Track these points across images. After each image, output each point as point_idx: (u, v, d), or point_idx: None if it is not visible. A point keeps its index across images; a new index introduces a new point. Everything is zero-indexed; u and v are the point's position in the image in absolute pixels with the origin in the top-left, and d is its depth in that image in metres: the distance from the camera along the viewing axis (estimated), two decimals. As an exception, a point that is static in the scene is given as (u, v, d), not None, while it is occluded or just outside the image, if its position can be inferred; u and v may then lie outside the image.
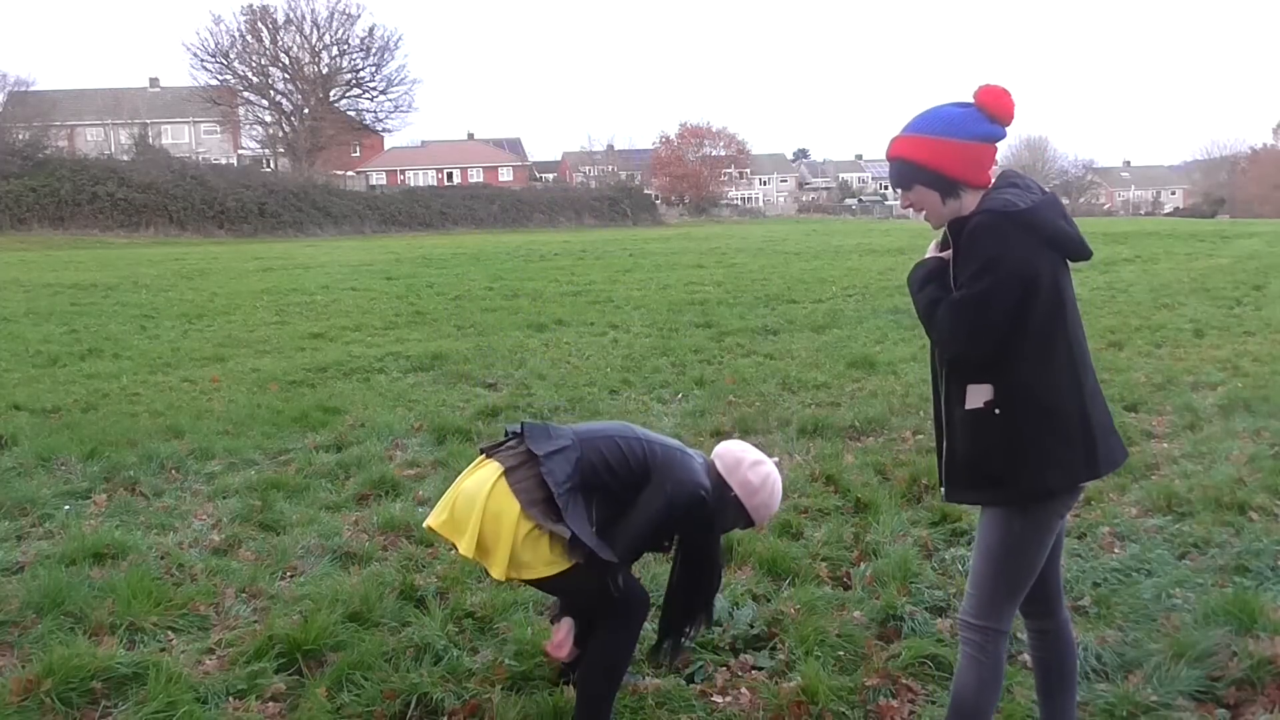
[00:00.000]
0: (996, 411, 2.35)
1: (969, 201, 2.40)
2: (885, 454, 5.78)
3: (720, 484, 2.90)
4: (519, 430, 2.87)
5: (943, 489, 2.54)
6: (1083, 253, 2.43)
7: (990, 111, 2.38)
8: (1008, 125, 2.41)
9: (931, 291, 2.40)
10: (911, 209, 2.50)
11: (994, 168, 2.45)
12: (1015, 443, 2.35)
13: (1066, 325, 2.38)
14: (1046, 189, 2.44)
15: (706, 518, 2.85)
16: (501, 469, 2.74)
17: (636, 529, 2.79)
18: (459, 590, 3.91)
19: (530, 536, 2.68)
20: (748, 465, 2.92)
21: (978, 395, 2.37)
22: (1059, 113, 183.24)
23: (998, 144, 2.42)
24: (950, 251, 2.40)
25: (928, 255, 2.50)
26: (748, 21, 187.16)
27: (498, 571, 2.69)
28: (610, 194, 55.92)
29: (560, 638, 2.91)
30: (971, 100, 2.41)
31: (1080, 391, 2.39)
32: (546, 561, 2.70)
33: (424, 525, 2.95)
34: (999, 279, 2.26)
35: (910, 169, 2.43)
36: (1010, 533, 2.42)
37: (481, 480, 2.75)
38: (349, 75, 59.03)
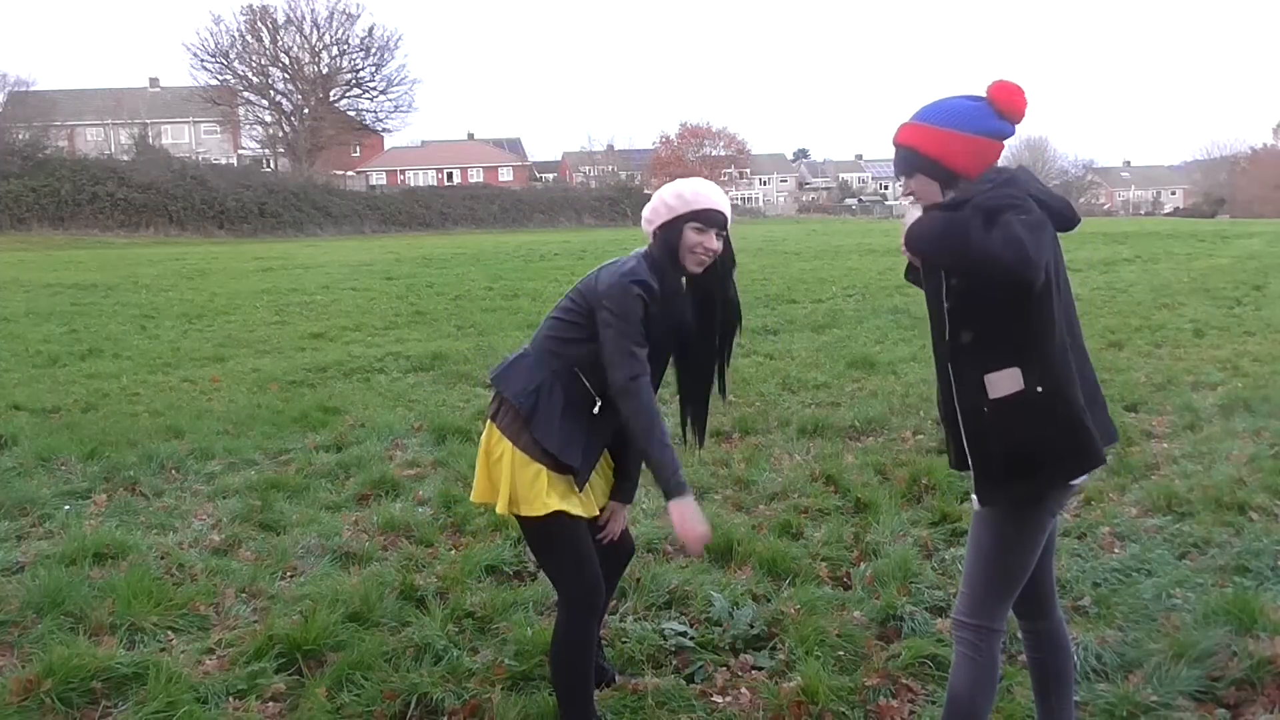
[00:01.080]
0: (1039, 390, 2.29)
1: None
2: (885, 454, 5.78)
3: (659, 237, 2.75)
4: None
5: (975, 494, 2.43)
6: (1071, 219, 2.38)
7: (1001, 108, 2.35)
8: (1017, 123, 2.38)
9: (968, 214, 2.20)
10: (911, 197, 2.47)
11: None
12: (1067, 416, 2.30)
13: (1068, 297, 2.38)
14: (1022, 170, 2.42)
15: (666, 292, 2.70)
16: (490, 420, 2.81)
17: (612, 355, 2.65)
18: (459, 590, 3.92)
19: (528, 472, 2.69)
20: (655, 208, 2.77)
21: (1007, 381, 2.30)
22: (1059, 113, 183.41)
23: (1004, 142, 2.38)
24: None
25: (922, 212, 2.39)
26: (748, 22, 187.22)
27: (500, 506, 2.74)
28: (610, 194, 55.87)
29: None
30: (984, 95, 2.38)
31: (1087, 364, 2.42)
32: (542, 502, 2.69)
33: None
34: (1037, 212, 2.21)
35: (914, 157, 2.41)
36: (1004, 531, 2.41)
37: (484, 437, 2.83)
38: (349, 75, 59.01)
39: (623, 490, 3.03)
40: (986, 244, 2.11)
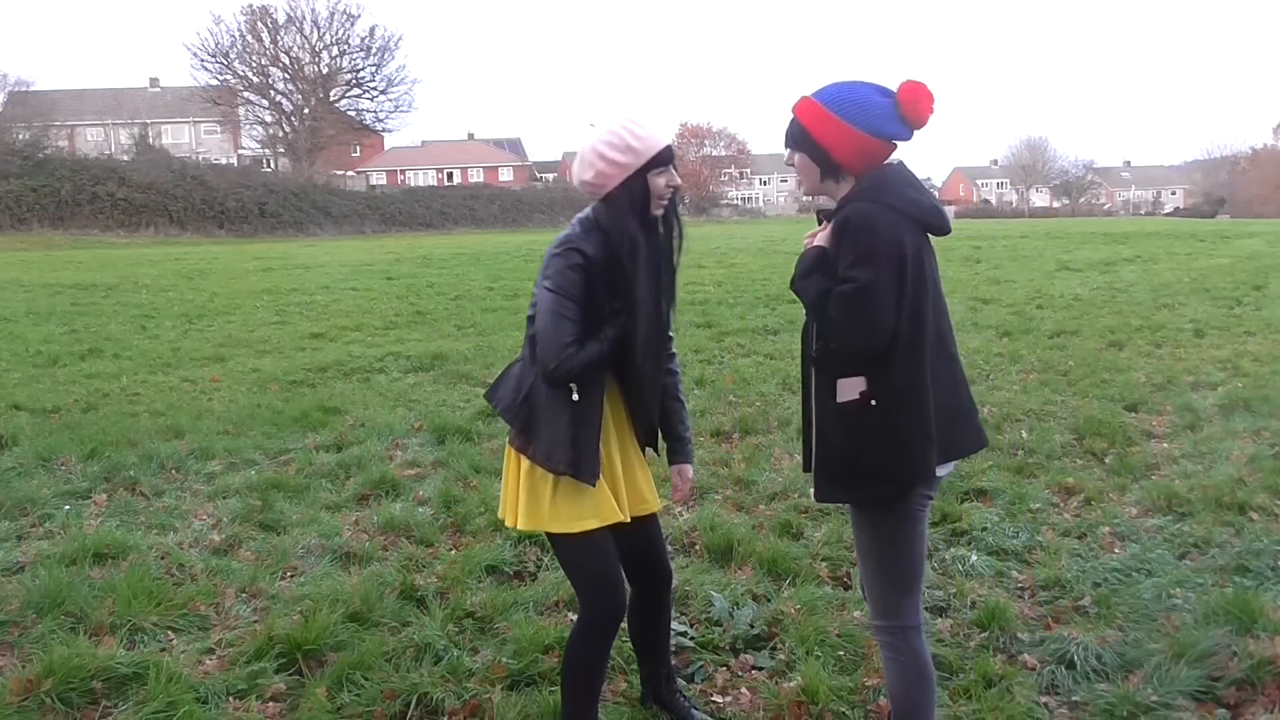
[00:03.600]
0: (873, 403, 2.30)
1: (844, 187, 2.39)
2: (885, 454, 5.76)
3: (619, 197, 2.49)
4: None
5: (813, 490, 2.48)
6: (942, 225, 2.37)
7: (905, 111, 2.32)
8: (918, 129, 2.35)
9: (818, 281, 2.32)
10: (794, 168, 2.48)
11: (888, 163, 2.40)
12: (893, 434, 2.30)
13: (933, 302, 2.34)
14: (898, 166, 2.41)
15: (630, 250, 2.49)
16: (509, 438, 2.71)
17: (541, 324, 2.47)
18: (459, 590, 3.91)
19: (538, 483, 2.59)
20: (601, 170, 2.49)
21: (851, 388, 2.33)
22: (1059, 113, 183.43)
23: (898, 144, 2.36)
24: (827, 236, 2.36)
25: (807, 244, 2.44)
26: (748, 22, 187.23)
27: (509, 520, 2.65)
28: (610, 194, 55.84)
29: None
30: (894, 90, 2.35)
31: (952, 368, 2.40)
32: (546, 516, 2.59)
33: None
34: (879, 270, 2.21)
35: (803, 136, 2.40)
36: (882, 532, 2.41)
37: (505, 454, 2.73)
38: (349, 75, 58.98)
39: (677, 451, 2.91)
40: (821, 317, 2.32)
